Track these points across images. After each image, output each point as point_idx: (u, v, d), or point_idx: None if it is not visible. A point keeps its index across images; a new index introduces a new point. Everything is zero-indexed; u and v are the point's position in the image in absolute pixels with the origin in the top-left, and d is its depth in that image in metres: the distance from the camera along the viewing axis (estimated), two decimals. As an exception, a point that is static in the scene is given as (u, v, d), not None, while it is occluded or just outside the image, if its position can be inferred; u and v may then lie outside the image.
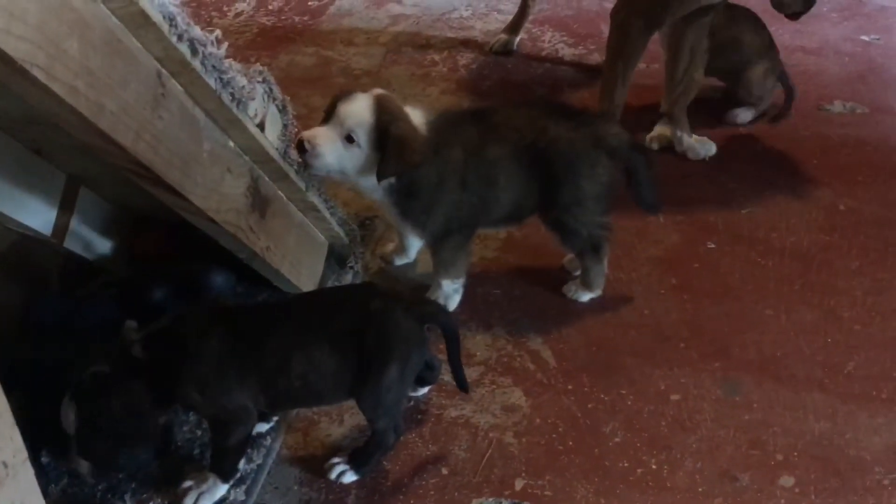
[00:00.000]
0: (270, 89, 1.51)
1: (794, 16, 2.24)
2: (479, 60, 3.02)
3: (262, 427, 1.61)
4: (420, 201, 1.77)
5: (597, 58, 2.99)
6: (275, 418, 1.63)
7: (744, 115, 2.58)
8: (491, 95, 2.80)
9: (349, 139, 1.68)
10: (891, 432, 1.62)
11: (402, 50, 3.11)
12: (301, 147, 1.67)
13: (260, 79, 1.46)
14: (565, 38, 3.15)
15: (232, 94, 1.36)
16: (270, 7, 3.46)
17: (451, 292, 1.91)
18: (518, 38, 3.06)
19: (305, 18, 3.35)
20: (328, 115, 1.72)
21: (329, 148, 1.68)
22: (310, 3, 3.46)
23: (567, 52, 3.07)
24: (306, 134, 1.68)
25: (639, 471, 1.57)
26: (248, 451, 1.57)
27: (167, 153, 1.28)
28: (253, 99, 1.43)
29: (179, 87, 1.31)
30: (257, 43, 3.17)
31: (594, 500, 1.52)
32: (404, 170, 1.70)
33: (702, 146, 2.44)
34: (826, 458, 1.58)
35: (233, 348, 1.44)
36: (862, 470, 1.55)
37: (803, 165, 2.39)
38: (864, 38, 3.08)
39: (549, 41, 3.15)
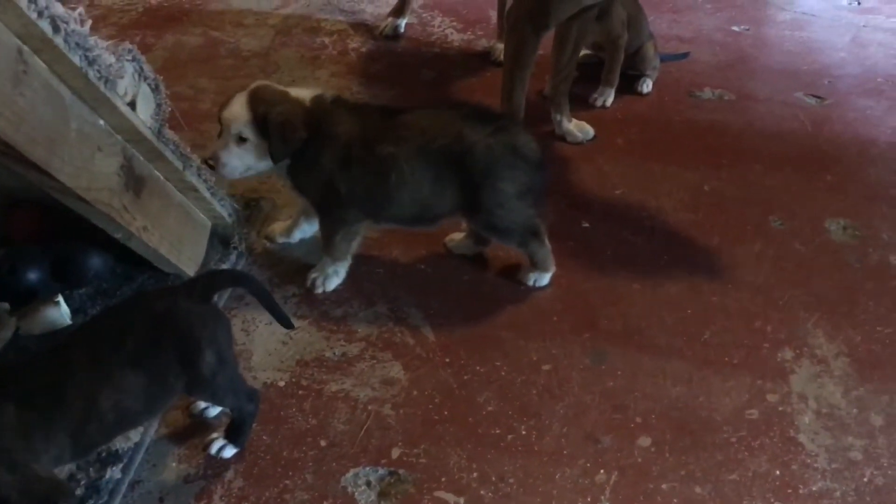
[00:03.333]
0: (141, 68, 1.51)
1: None
2: (368, 44, 3.05)
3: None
4: (304, 171, 1.88)
5: (484, 43, 3.08)
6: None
7: (647, 85, 2.81)
8: (380, 79, 2.84)
9: (240, 139, 1.81)
10: (739, 395, 1.75)
11: (292, 32, 3.11)
12: (208, 164, 1.85)
13: (129, 57, 1.46)
14: (455, 24, 3.22)
15: (99, 72, 1.36)
16: (157, -14, 3.40)
17: (330, 273, 1.97)
18: (405, 21, 3.11)
19: (193, -2, 3.31)
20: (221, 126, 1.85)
21: (228, 156, 1.83)
22: (198, -17, 3.42)
23: (456, 38, 3.14)
24: (207, 152, 1.85)
25: (509, 437, 1.65)
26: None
27: (30, 130, 1.27)
28: (122, 77, 1.42)
29: (43, 64, 1.30)
30: (142, 22, 3.12)
31: (466, 465, 1.59)
32: (293, 146, 1.82)
33: (580, 130, 2.55)
34: (681, 419, 1.70)
35: (32, 409, 1.29)
36: (712, 429, 1.68)
37: (673, 149, 2.53)
38: (735, 28, 3.27)
39: (439, 26, 3.21)
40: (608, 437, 1.66)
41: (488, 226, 1.92)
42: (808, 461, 1.61)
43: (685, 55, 3.00)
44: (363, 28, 3.16)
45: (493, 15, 3.12)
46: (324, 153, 1.83)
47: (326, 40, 3.06)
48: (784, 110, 2.74)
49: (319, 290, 1.96)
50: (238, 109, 1.80)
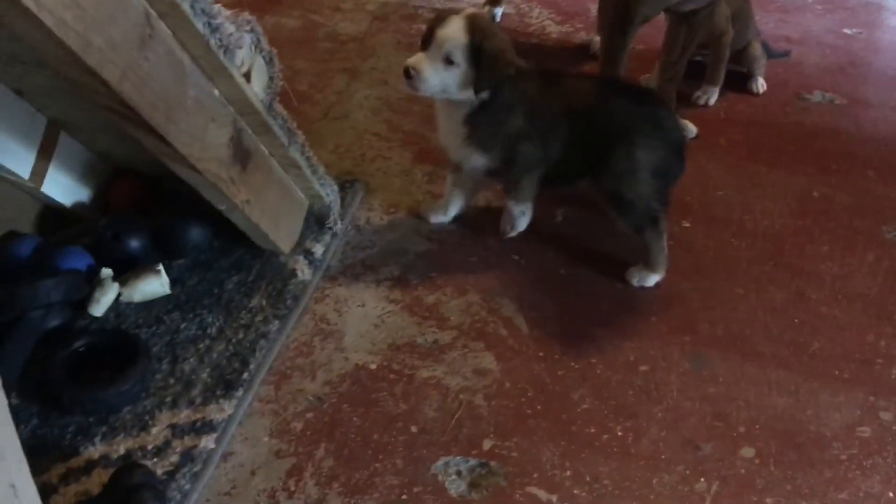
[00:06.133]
0: (258, 40, 1.50)
1: None
2: (465, 32, 3.01)
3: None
4: (491, 121, 1.89)
5: (583, 36, 3.01)
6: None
7: (760, 84, 2.71)
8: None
9: (448, 61, 1.80)
10: (850, 411, 1.66)
11: (389, 18, 3.10)
12: (407, 73, 1.82)
13: (248, 28, 1.46)
14: (553, 16, 3.16)
15: (220, 41, 1.35)
16: (258, -32, 3.43)
17: (518, 215, 2.03)
18: (501, 10, 3.07)
19: (293, -19, 3.33)
20: (427, 41, 1.84)
21: (431, 72, 1.81)
22: (298, -33, 3.43)
23: (554, 30, 3.08)
24: (410, 61, 1.82)
25: (604, 437, 1.60)
26: (220, 400, 1.58)
27: (152, 95, 1.27)
28: (240, 48, 1.42)
29: (167, 29, 1.30)
30: (243, 3, 3.11)
31: (559, 462, 1.55)
32: (500, 79, 1.83)
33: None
34: (787, 431, 1.62)
35: None
36: (821, 445, 1.59)
37: (780, 152, 2.43)
38: (847, 31, 3.13)
39: (537, 18, 3.15)
40: (709, 444, 1.59)
41: (613, 193, 1.90)
42: (925, 486, 1.52)
43: (787, 53, 2.88)
44: (460, 16, 3.12)
45: (593, 8, 3.05)
46: (517, 107, 1.87)
47: (423, 27, 3.02)
48: (898, 118, 2.61)
49: (514, 233, 2.05)
50: (456, 31, 1.80)
